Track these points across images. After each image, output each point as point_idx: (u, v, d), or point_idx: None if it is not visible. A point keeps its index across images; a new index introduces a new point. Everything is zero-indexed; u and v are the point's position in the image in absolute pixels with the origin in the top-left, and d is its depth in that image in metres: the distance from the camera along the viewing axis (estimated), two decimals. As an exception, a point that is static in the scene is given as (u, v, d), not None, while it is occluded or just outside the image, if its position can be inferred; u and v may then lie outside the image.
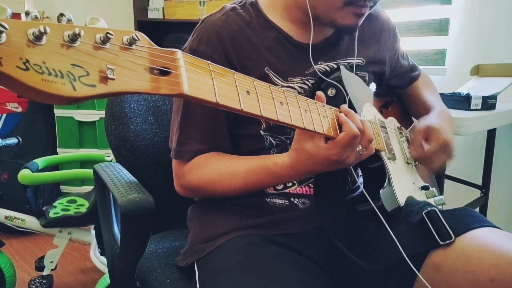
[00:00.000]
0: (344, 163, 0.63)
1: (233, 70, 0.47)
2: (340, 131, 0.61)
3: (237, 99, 0.46)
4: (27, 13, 0.31)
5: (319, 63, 0.78)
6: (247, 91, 0.48)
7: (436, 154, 0.82)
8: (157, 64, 0.38)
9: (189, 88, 0.39)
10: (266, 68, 0.74)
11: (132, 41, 0.36)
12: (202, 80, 0.42)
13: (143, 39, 0.37)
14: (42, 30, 0.30)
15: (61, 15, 0.33)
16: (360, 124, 0.62)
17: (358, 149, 0.63)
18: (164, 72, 0.38)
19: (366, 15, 0.73)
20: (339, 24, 0.72)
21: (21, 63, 0.29)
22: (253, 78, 0.50)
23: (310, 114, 0.57)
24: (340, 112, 0.63)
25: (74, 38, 0.32)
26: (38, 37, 0.30)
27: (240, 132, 0.77)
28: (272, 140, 0.76)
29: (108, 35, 0.34)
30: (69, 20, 0.33)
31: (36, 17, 0.31)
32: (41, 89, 0.29)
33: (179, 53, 0.40)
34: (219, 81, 0.44)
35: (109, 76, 0.33)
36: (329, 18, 0.72)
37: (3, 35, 0.28)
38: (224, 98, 0.44)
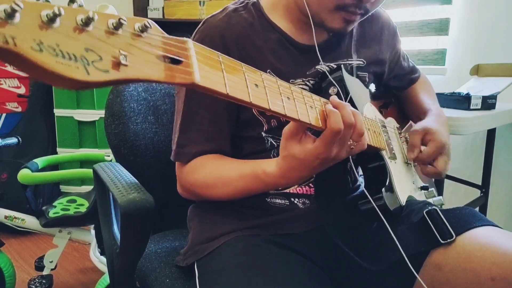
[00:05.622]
0: (334, 160, 0.60)
1: (241, 63, 0.47)
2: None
3: (246, 91, 0.45)
4: None
5: (320, 63, 0.78)
6: (256, 84, 0.47)
7: (433, 156, 0.81)
8: (169, 52, 0.37)
9: (200, 78, 0.39)
10: (268, 70, 0.74)
11: (144, 29, 0.35)
12: (212, 70, 0.42)
13: (155, 27, 0.37)
14: (56, 11, 0.29)
15: (71, 1, 0.32)
16: (351, 118, 0.57)
17: (349, 143, 0.60)
18: (174, 61, 0.38)
19: (356, 22, 0.73)
20: (327, 26, 0.72)
21: (35, 44, 0.28)
22: (260, 71, 0.49)
23: (316, 111, 0.56)
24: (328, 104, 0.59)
25: (87, 22, 0.31)
26: (52, 19, 0.29)
27: (241, 134, 0.77)
28: (273, 142, 0.76)
29: (121, 20, 0.33)
30: (80, 6, 0.32)
31: (47, 0, 0.31)
32: (56, 71, 0.29)
33: (190, 42, 0.40)
34: (229, 73, 0.43)
35: (122, 62, 0.33)
36: (319, 18, 0.71)
37: (17, 14, 0.28)
38: (233, 89, 0.43)
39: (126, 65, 0.33)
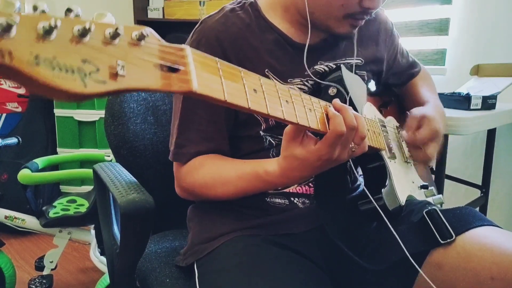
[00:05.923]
0: (336, 161, 0.60)
1: (240, 68, 0.47)
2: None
3: (245, 97, 0.45)
4: (35, 8, 0.30)
5: (318, 63, 0.77)
6: (254, 89, 0.47)
7: (426, 140, 0.81)
8: (166, 60, 0.37)
9: (198, 86, 0.39)
10: (266, 70, 0.74)
11: (141, 37, 0.35)
12: (210, 77, 0.41)
13: (152, 35, 0.37)
14: (53, 24, 0.29)
15: (69, 10, 0.32)
16: (353, 121, 0.58)
17: (351, 145, 0.61)
18: (172, 69, 0.37)
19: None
20: (334, 31, 0.73)
21: (32, 58, 0.28)
22: (259, 75, 0.49)
23: (315, 113, 0.56)
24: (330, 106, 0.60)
25: (84, 33, 0.31)
26: (48, 31, 0.29)
27: (240, 133, 0.77)
28: (272, 140, 0.76)
29: (118, 30, 0.33)
30: (77, 16, 0.32)
31: (44, 12, 0.30)
32: (53, 85, 0.28)
33: (188, 50, 0.40)
34: (227, 79, 0.43)
35: (120, 72, 0.32)
36: (326, 25, 0.72)
37: (13, 28, 0.27)
38: (232, 96, 0.43)
39: (123, 76, 0.33)
